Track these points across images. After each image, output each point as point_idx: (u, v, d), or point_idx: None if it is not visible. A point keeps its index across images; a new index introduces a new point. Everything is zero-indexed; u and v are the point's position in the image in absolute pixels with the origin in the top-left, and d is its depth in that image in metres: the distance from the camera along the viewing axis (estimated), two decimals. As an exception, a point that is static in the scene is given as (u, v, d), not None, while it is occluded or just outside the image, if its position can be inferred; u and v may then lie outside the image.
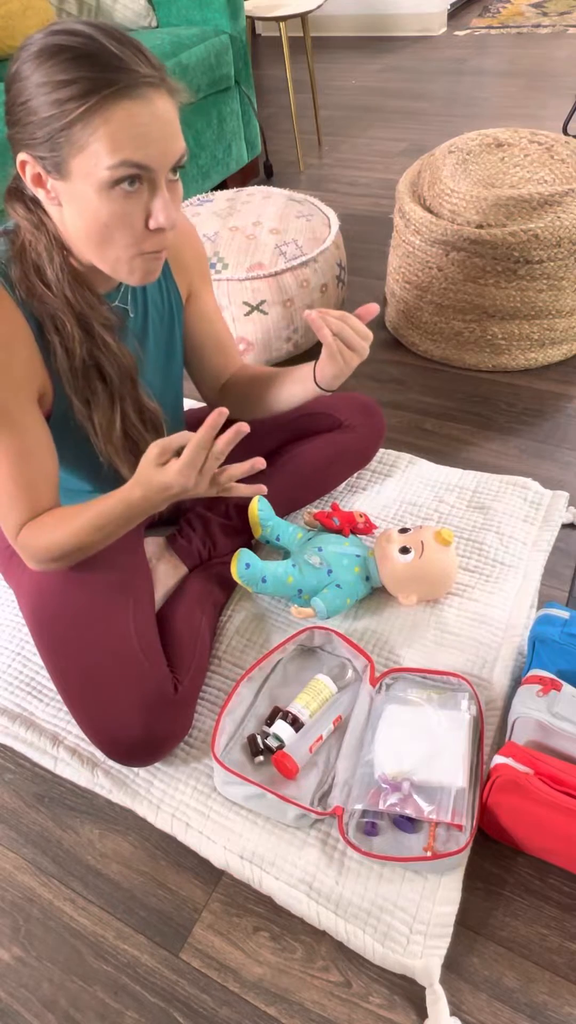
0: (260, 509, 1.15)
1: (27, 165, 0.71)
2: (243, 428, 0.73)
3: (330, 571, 1.11)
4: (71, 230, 0.74)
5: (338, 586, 1.10)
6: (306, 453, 1.24)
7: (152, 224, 0.72)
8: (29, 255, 0.77)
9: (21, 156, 0.71)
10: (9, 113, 0.70)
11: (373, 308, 0.89)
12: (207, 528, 1.17)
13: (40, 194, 0.73)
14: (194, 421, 1.22)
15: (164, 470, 0.76)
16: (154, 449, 0.76)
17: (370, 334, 0.92)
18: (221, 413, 0.71)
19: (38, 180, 0.72)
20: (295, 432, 1.26)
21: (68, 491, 0.99)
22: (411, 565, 1.08)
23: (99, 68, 0.64)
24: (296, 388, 1.03)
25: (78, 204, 0.71)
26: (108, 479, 0.97)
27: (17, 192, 0.77)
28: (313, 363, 1.00)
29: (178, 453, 0.76)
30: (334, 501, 1.33)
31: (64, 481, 0.98)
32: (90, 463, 0.94)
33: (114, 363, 0.84)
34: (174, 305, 0.99)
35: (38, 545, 0.87)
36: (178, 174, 0.73)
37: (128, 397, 0.87)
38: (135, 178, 0.68)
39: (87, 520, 0.83)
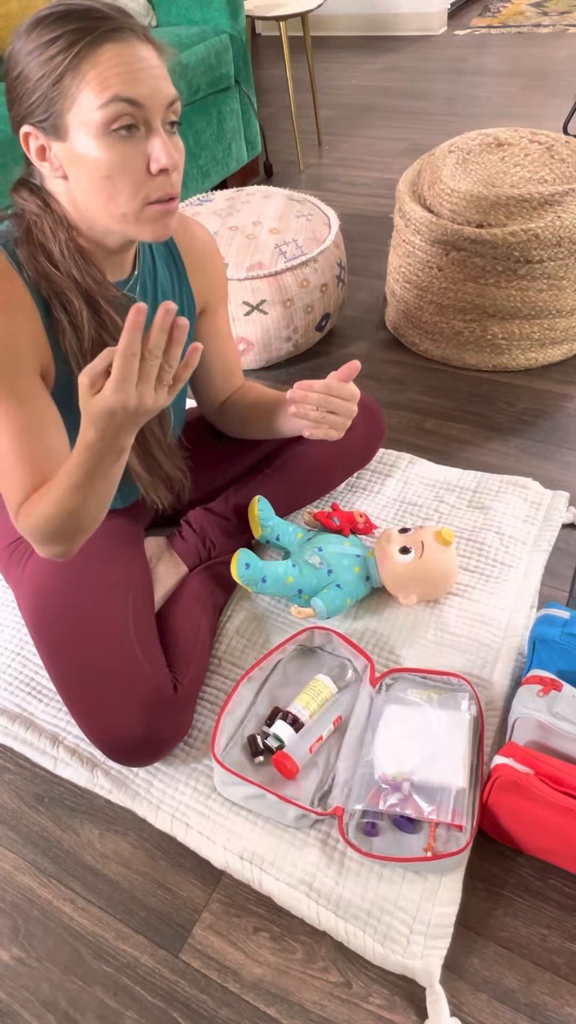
0: (260, 509, 1.15)
1: (30, 137, 0.72)
2: (170, 306, 0.62)
3: (330, 571, 1.11)
4: (77, 196, 0.75)
5: (338, 586, 1.10)
6: (306, 453, 1.24)
7: (153, 166, 0.71)
8: (35, 236, 0.78)
9: (24, 129, 0.72)
10: (9, 92, 0.71)
11: (355, 366, 0.88)
12: (207, 528, 1.17)
13: (45, 168, 0.74)
14: (191, 419, 1.22)
15: (100, 396, 0.66)
16: (83, 379, 0.66)
17: (356, 392, 0.91)
18: (139, 310, 0.60)
19: (41, 153, 0.73)
20: None
21: None
22: (411, 565, 1.08)
23: (81, 20, 0.67)
24: (297, 421, 1.01)
25: (80, 162, 0.71)
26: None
27: (22, 180, 0.79)
28: None
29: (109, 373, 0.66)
30: (334, 501, 1.33)
31: None
32: None
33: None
34: (186, 308, 0.99)
35: (32, 524, 0.81)
36: (176, 130, 0.74)
37: None
38: (130, 123, 0.69)
39: (61, 482, 0.76)
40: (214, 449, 1.21)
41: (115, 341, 0.83)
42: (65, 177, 0.74)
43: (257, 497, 1.15)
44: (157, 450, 0.94)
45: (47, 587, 0.98)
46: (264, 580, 1.10)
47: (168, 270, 0.95)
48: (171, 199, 0.75)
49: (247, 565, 1.09)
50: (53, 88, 0.68)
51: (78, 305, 0.79)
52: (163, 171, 0.72)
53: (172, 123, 0.73)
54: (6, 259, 0.78)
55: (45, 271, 0.78)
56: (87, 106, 0.68)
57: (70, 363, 0.83)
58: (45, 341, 0.81)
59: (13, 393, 0.78)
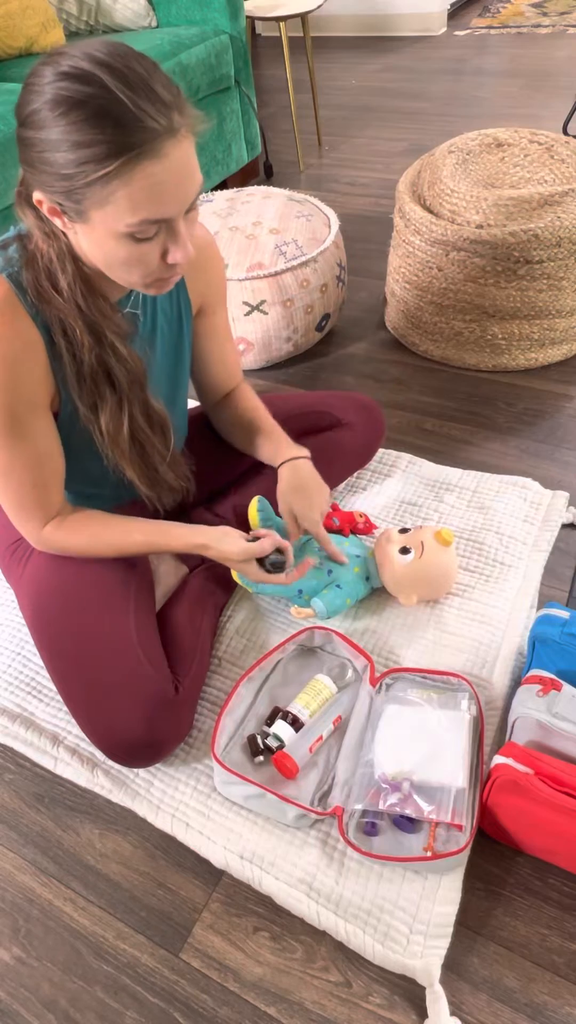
0: (260, 509, 1.15)
1: (43, 203, 0.71)
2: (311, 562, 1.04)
3: (330, 571, 1.11)
4: (87, 252, 0.75)
5: (338, 586, 1.10)
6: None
7: (170, 260, 0.74)
8: (41, 261, 0.77)
9: (37, 195, 0.70)
10: (23, 152, 0.68)
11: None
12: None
13: (55, 222, 0.73)
14: (192, 419, 1.21)
15: (254, 572, 0.99)
16: (249, 556, 0.96)
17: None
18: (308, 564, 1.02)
19: (54, 212, 0.71)
20: (293, 432, 1.25)
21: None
22: (411, 566, 1.08)
23: (117, 130, 0.63)
24: (266, 452, 1.12)
25: (97, 243, 0.72)
26: (108, 482, 0.96)
27: (28, 197, 0.76)
28: (294, 459, 1.09)
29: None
30: (334, 501, 1.33)
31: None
32: (92, 464, 0.94)
33: (123, 369, 0.84)
34: (183, 312, 0.99)
35: (68, 546, 0.95)
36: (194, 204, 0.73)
37: (136, 401, 0.88)
38: (154, 231, 0.70)
39: (139, 543, 0.96)
40: (215, 449, 1.21)
41: (118, 367, 0.84)
42: (76, 233, 0.73)
43: (256, 497, 1.15)
44: (160, 463, 0.94)
45: (47, 587, 0.98)
46: None
47: None
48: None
49: None
50: (80, 190, 0.66)
51: (80, 334, 0.79)
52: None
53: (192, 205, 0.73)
54: (12, 291, 0.77)
55: (50, 298, 0.78)
56: (114, 218, 0.67)
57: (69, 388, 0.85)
58: (50, 372, 0.83)
59: (28, 432, 0.84)
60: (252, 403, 1.14)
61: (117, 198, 0.66)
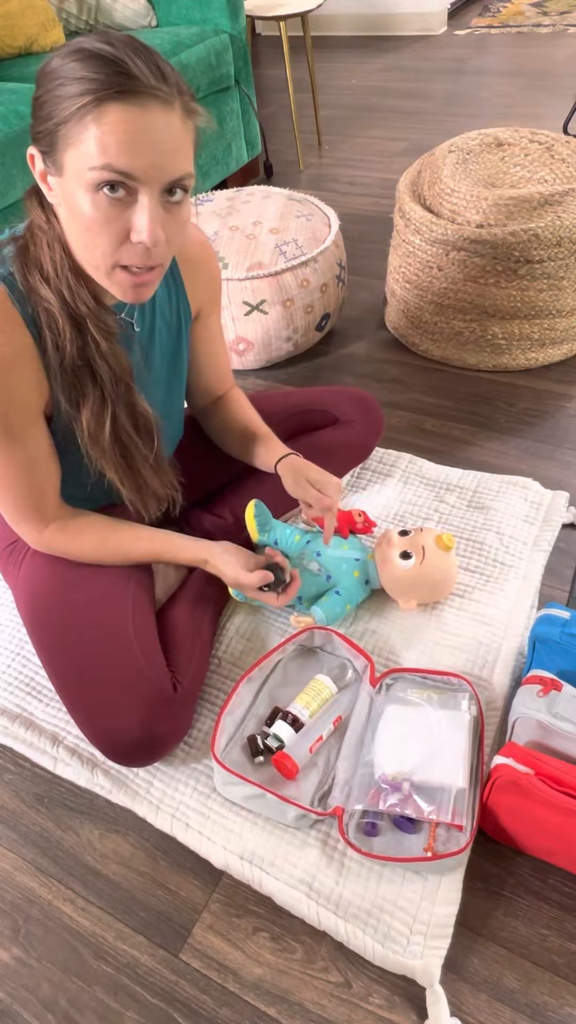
0: (256, 515, 1.13)
1: (34, 159, 0.72)
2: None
3: (329, 577, 1.11)
4: (66, 229, 0.74)
5: (337, 593, 1.10)
6: (303, 450, 1.22)
7: (133, 237, 0.71)
8: (33, 251, 0.77)
9: (30, 149, 0.71)
10: (32, 104, 0.71)
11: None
12: (208, 529, 1.16)
13: (45, 190, 0.73)
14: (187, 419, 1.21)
15: (246, 592, 1.02)
16: (250, 582, 0.99)
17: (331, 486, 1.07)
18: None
19: (43, 176, 0.72)
20: (289, 432, 1.25)
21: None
22: (412, 571, 1.07)
23: (104, 70, 0.64)
24: (263, 457, 1.12)
25: (69, 202, 0.70)
26: (91, 484, 0.96)
27: (36, 190, 0.77)
28: (288, 454, 1.08)
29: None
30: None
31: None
32: (83, 470, 0.93)
33: (106, 366, 0.83)
34: (183, 319, 0.98)
35: (72, 550, 0.97)
36: (179, 195, 0.71)
37: (121, 401, 0.86)
38: (117, 184, 0.67)
39: (146, 550, 1.00)
40: (209, 450, 1.20)
41: (100, 363, 0.82)
42: (62, 203, 0.73)
43: (253, 501, 1.13)
44: (143, 466, 0.92)
45: (44, 586, 0.98)
46: None
47: (165, 282, 0.94)
48: (146, 270, 0.74)
49: None
50: (58, 128, 0.66)
51: (61, 322, 0.78)
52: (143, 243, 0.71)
53: (175, 194, 0.71)
54: (6, 294, 0.77)
55: (35, 286, 0.77)
56: (83, 161, 0.66)
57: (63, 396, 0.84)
58: (44, 378, 0.82)
59: (21, 438, 0.85)
60: (244, 412, 1.14)
61: (88, 137, 0.65)
